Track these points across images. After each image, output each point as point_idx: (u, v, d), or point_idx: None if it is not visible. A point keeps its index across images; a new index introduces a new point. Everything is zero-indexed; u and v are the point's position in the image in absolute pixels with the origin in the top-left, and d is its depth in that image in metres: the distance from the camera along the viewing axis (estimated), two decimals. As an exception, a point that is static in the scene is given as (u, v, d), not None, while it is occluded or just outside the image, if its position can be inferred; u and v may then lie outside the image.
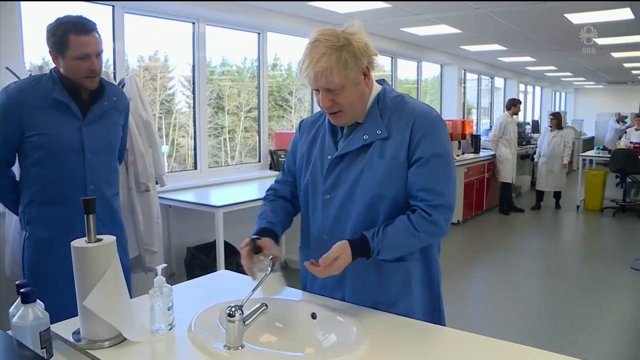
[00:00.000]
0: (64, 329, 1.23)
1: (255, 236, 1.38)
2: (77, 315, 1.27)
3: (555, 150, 6.98)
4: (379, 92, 1.35)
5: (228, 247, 3.55)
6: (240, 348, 1.15)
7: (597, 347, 3.06)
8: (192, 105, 4.19)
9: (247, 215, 4.16)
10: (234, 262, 3.52)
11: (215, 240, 3.45)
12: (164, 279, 1.24)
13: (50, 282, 1.74)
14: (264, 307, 1.23)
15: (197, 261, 3.53)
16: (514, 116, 6.95)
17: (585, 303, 3.82)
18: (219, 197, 3.68)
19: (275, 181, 1.57)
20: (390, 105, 1.32)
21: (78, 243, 1.17)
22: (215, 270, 3.30)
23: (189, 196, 3.62)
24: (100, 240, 1.18)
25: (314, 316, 1.35)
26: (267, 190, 1.56)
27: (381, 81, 1.41)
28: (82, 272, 1.15)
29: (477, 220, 6.63)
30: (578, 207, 7.27)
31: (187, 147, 4.35)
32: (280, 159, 4.61)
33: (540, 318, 3.52)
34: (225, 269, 3.21)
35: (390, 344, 1.21)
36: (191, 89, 4.20)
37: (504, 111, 7.08)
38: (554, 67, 9.19)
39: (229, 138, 4.69)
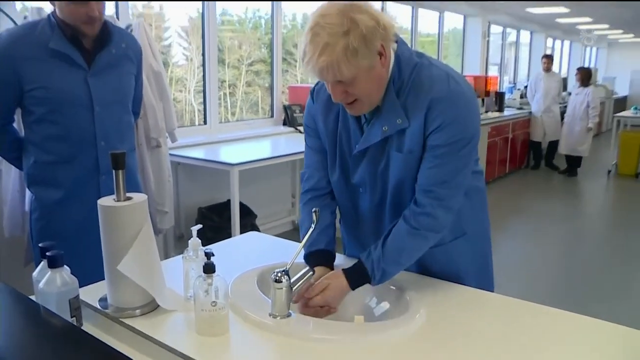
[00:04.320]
0: (87, 296, 1.20)
1: (308, 271, 1.25)
2: (94, 281, 1.25)
3: (577, 110, 6.74)
4: (393, 65, 1.22)
5: (243, 207, 3.53)
6: (287, 317, 1.12)
7: (630, 314, 3.05)
8: (189, 58, 4.08)
9: (261, 174, 4.22)
10: (248, 224, 3.53)
11: (229, 200, 3.44)
12: (199, 241, 1.20)
13: (61, 246, 1.69)
14: (310, 273, 1.20)
15: (209, 222, 3.51)
16: (547, 72, 6.79)
17: (617, 271, 3.81)
18: (232, 154, 3.64)
19: (305, 166, 1.45)
20: (406, 80, 1.20)
21: (106, 202, 1.11)
22: (229, 233, 3.41)
23: (199, 153, 3.58)
24: (130, 198, 1.13)
25: None
26: (302, 191, 1.45)
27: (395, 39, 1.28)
28: (111, 234, 1.10)
29: (501, 183, 6.59)
30: (609, 172, 7.18)
31: (184, 103, 4.27)
32: (295, 115, 4.55)
33: (571, 286, 3.52)
34: (241, 231, 3.24)
35: (445, 312, 1.20)
36: (188, 41, 4.08)
37: (529, 67, 6.94)
38: (590, 18, 8.89)
39: (229, 93, 4.59)
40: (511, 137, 6.92)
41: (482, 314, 1.21)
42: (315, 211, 1.21)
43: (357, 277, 1.22)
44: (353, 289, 1.23)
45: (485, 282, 1.42)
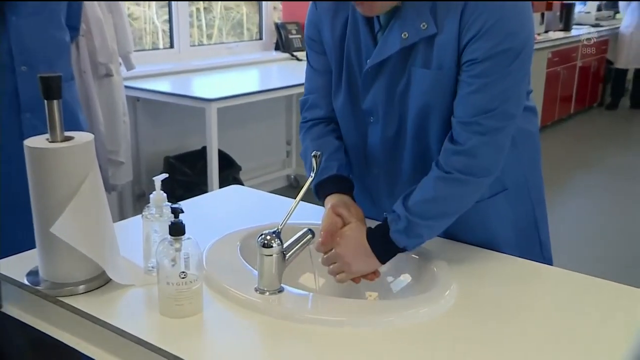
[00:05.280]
0: (9, 269, 1.20)
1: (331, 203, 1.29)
2: (25, 249, 1.25)
3: None
4: None
5: (223, 157, 3.54)
6: (278, 292, 1.13)
7: None
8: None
9: (247, 113, 4.21)
10: (230, 179, 3.54)
11: (204, 148, 3.44)
12: (165, 195, 1.20)
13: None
14: (309, 236, 1.20)
15: (179, 176, 3.54)
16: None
17: None
18: (208, 87, 3.62)
19: (306, 92, 1.46)
20: None
21: (36, 142, 1.10)
22: (205, 190, 3.42)
23: (164, 85, 3.56)
24: (70, 139, 1.12)
25: None
26: (301, 120, 1.47)
27: None
28: (43, 186, 1.10)
29: (562, 127, 6.57)
30: None
31: (143, 20, 4.20)
32: (291, 37, 4.50)
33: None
34: (220, 185, 3.26)
35: (483, 288, 1.21)
36: None
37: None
38: None
39: (204, 8, 4.52)
40: (580, 66, 6.85)
41: (531, 290, 1.22)
42: (316, 155, 1.20)
43: (380, 241, 1.23)
44: (383, 262, 1.24)
45: (532, 253, 1.43)
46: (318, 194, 1.35)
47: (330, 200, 1.30)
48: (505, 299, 1.18)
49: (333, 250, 1.23)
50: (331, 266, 1.24)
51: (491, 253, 1.35)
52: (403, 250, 1.23)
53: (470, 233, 1.38)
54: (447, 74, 1.21)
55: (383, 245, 1.22)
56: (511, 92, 1.20)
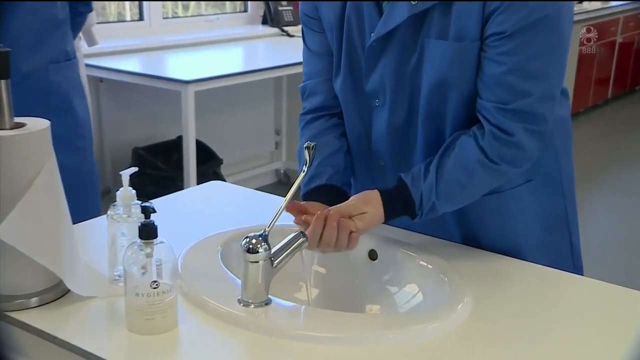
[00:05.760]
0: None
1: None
2: None
3: None
4: None
5: (201, 148, 3.54)
6: (264, 304, 1.14)
7: None
8: None
9: (230, 98, 4.19)
10: (209, 173, 3.55)
11: (180, 138, 3.44)
12: (134, 192, 1.20)
13: None
14: (301, 240, 1.20)
15: (150, 170, 3.54)
16: None
17: None
18: (184, 67, 3.62)
19: (305, 77, 1.47)
20: None
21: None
22: (180, 186, 3.41)
23: (132, 64, 3.56)
24: (22, 125, 1.12)
25: (372, 255, 1.36)
26: (302, 112, 1.48)
27: None
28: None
29: (598, 114, 6.58)
30: None
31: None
32: (281, 9, 4.49)
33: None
34: (198, 181, 3.26)
35: (502, 302, 1.21)
36: None
37: None
38: None
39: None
40: (621, 42, 6.82)
41: (559, 306, 1.23)
42: (309, 147, 1.20)
43: (396, 204, 1.26)
44: (387, 221, 1.27)
45: (562, 257, 1.44)
46: (305, 196, 1.35)
47: (314, 208, 1.29)
48: (527, 315, 1.18)
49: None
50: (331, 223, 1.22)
51: (511, 260, 1.36)
52: (412, 214, 1.27)
53: (488, 233, 1.39)
54: (468, 47, 1.22)
55: (396, 209, 1.26)
56: (552, 70, 1.22)
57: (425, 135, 1.32)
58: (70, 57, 2.05)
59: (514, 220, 1.39)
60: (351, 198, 1.28)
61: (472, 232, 1.40)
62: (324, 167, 1.37)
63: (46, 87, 1.96)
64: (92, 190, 2.14)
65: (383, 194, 1.27)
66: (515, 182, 1.35)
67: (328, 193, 1.35)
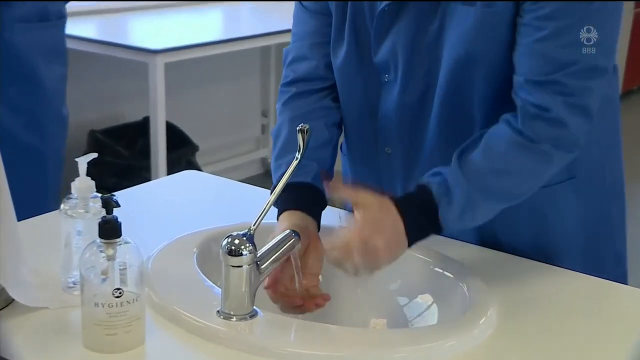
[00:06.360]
0: None
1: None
2: None
3: None
4: None
5: (173, 132, 3.55)
6: (249, 317, 1.14)
7: None
8: None
9: (207, 72, 4.21)
10: (182, 162, 3.56)
11: (146, 119, 3.45)
12: (92, 183, 1.20)
13: None
14: (293, 239, 1.21)
15: (111, 157, 3.55)
16: None
17: None
18: (152, 34, 3.64)
19: (293, 39, 1.48)
20: None
21: None
22: (148, 175, 3.39)
23: (88, 29, 3.56)
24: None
25: None
26: (282, 82, 1.47)
27: None
28: None
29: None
30: None
31: None
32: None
33: None
34: (169, 171, 3.26)
35: (532, 317, 1.21)
36: None
37: None
38: None
39: None
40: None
41: (600, 322, 1.23)
42: (302, 129, 1.20)
43: (418, 217, 1.22)
44: (411, 244, 1.22)
45: (604, 267, 1.44)
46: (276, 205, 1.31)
47: (289, 220, 1.28)
48: (563, 331, 1.18)
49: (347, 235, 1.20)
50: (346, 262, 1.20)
51: (544, 267, 1.36)
52: (438, 232, 1.25)
53: (516, 236, 1.40)
54: (499, 14, 1.23)
55: (417, 221, 1.22)
56: (599, 37, 1.21)
57: (442, 116, 1.33)
58: (46, 18, 2.05)
59: (548, 222, 1.40)
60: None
61: (497, 233, 1.40)
62: (309, 161, 1.33)
63: (8, 50, 1.97)
64: (54, 179, 2.14)
65: (398, 201, 1.23)
66: (555, 179, 1.35)
67: (307, 195, 1.33)
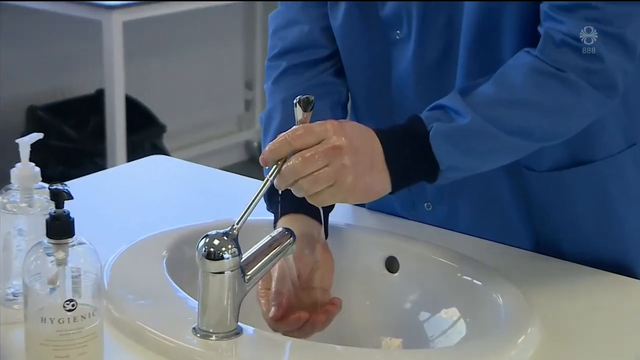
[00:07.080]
0: None
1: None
2: None
3: None
4: None
5: (134, 109, 3.55)
6: (234, 335, 1.15)
7: None
8: None
9: (175, 35, 4.23)
10: (146, 145, 3.57)
11: (100, 92, 3.48)
12: (38, 171, 1.22)
13: None
14: (289, 240, 1.21)
15: (56, 140, 3.56)
16: None
17: None
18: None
19: (280, 6, 1.50)
20: None
21: None
22: (104, 162, 3.39)
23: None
24: None
25: (392, 266, 1.38)
26: (269, 55, 1.49)
27: None
28: None
29: None
30: None
31: None
32: None
33: None
34: (130, 157, 3.28)
35: (583, 336, 1.22)
36: None
37: None
38: None
39: None
40: None
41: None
42: (300, 101, 1.19)
43: (401, 146, 1.21)
44: (394, 190, 1.21)
45: None
46: (270, 203, 1.34)
47: (287, 223, 1.29)
48: (623, 355, 1.19)
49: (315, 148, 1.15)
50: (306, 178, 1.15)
51: (601, 273, 1.36)
52: (433, 173, 1.22)
53: (577, 226, 1.41)
54: None
55: (403, 154, 1.21)
56: None
57: (467, 77, 1.33)
58: None
59: (610, 211, 1.41)
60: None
61: (545, 230, 1.42)
62: None
63: None
64: None
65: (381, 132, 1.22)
66: (609, 150, 1.37)
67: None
